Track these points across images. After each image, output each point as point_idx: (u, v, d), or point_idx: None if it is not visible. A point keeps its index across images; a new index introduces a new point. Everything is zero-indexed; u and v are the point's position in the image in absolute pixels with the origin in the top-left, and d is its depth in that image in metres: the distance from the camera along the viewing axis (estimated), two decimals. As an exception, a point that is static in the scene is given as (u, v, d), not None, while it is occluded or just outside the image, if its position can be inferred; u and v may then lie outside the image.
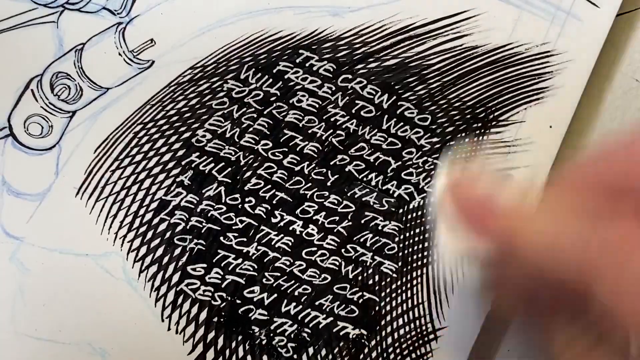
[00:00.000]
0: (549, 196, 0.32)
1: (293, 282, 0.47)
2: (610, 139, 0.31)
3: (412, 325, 0.48)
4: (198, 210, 0.47)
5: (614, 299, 0.27)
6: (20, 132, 0.45)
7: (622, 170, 0.30)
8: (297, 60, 0.46)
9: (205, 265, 0.47)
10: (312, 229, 0.47)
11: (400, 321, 0.48)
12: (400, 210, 0.48)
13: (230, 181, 0.47)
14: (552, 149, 0.47)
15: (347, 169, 0.47)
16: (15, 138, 0.45)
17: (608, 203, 0.29)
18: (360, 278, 0.48)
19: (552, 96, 0.47)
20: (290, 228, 0.47)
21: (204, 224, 0.47)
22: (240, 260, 0.47)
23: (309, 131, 0.47)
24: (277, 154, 0.47)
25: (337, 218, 0.47)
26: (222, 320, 0.47)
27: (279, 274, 0.47)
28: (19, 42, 0.44)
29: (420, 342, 0.48)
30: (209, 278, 0.47)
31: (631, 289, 0.27)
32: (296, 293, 0.47)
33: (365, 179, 0.47)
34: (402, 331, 0.48)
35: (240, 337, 0.47)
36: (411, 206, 0.48)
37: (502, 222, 0.31)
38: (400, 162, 0.47)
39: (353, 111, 0.47)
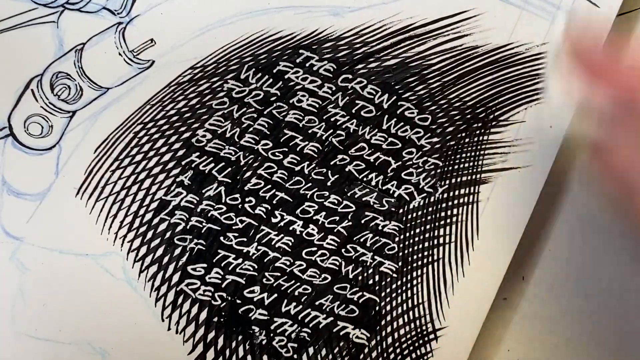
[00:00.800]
0: None
1: (293, 282, 0.47)
2: None
3: (412, 325, 0.48)
4: (198, 210, 0.47)
5: None
6: (21, 132, 0.45)
7: None
8: (298, 60, 0.46)
9: (205, 265, 0.47)
10: (312, 229, 0.47)
11: (401, 321, 0.48)
12: (401, 210, 0.48)
13: (230, 181, 0.47)
14: (552, 149, 0.47)
15: (347, 169, 0.47)
16: (15, 138, 0.45)
17: None
18: (360, 278, 0.48)
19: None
20: (291, 228, 0.47)
21: (204, 223, 0.47)
22: (240, 260, 0.47)
23: (309, 131, 0.47)
24: (277, 154, 0.47)
25: (337, 218, 0.47)
26: (222, 320, 0.47)
27: (279, 274, 0.47)
28: (19, 42, 0.44)
29: (421, 342, 0.48)
30: (209, 278, 0.47)
31: None
32: (296, 293, 0.47)
33: (365, 178, 0.47)
34: (402, 331, 0.48)
35: (240, 337, 0.47)
36: (411, 206, 0.48)
37: (627, 72, 0.31)
38: (400, 162, 0.47)
39: (353, 111, 0.47)
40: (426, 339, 0.49)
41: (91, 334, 0.47)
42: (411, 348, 0.49)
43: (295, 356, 0.48)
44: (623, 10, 0.46)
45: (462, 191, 0.48)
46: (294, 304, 0.48)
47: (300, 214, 0.47)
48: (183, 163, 0.46)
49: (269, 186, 0.47)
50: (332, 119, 0.46)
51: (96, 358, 0.47)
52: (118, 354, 0.47)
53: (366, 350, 0.48)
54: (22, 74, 0.45)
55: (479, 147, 0.47)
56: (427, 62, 0.46)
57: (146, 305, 0.47)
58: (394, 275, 0.48)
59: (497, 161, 0.47)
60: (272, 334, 0.48)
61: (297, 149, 0.47)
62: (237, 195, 0.47)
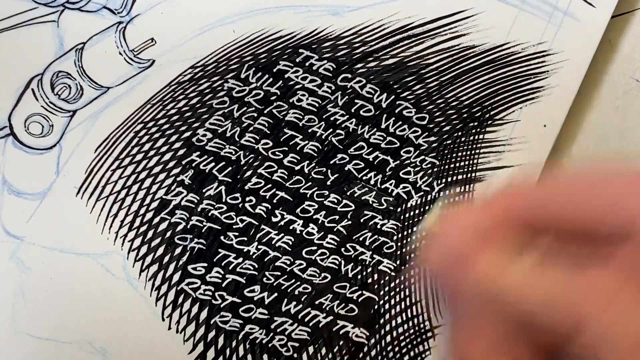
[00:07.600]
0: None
1: (293, 281, 0.47)
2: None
3: (410, 323, 0.49)
4: (199, 209, 0.47)
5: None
6: (21, 132, 0.45)
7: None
8: (297, 60, 0.46)
9: (205, 264, 0.47)
10: (312, 228, 0.47)
11: (399, 319, 0.48)
12: (399, 209, 0.48)
13: (230, 180, 0.47)
14: (545, 148, 0.48)
15: (346, 168, 0.47)
16: (15, 137, 0.45)
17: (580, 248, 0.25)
18: (359, 277, 0.48)
19: (547, 96, 0.47)
20: (291, 227, 0.47)
21: (204, 223, 0.47)
22: (240, 260, 0.47)
23: (309, 130, 0.47)
24: (277, 153, 0.47)
25: (337, 217, 0.47)
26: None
27: (279, 273, 0.47)
28: (20, 41, 0.44)
29: (419, 339, 0.49)
30: (210, 277, 0.47)
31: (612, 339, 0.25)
32: (296, 292, 0.48)
33: (364, 177, 0.47)
34: (400, 329, 0.49)
35: (240, 336, 0.47)
36: (409, 205, 0.48)
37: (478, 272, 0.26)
38: (398, 161, 0.47)
39: (352, 110, 0.47)
40: (424, 337, 0.49)
41: (92, 333, 0.47)
42: (409, 346, 0.49)
43: (295, 355, 0.48)
44: (620, 11, 0.46)
45: (458, 189, 0.48)
46: (294, 303, 0.48)
47: (300, 213, 0.47)
48: (183, 162, 0.46)
49: (269, 185, 0.47)
50: (332, 118, 0.47)
51: (96, 357, 0.47)
52: (118, 353, 0.47)
53: (365, 348, 0.48)
54: (23, 74, 0.44)
55: (474, 145, 0.48)
56: (424, 62, 0.47)
57: (147, 304, 0.47)
58: (393, 273, 0.48)
59: (492, 160, 0.48)
60: (272, 333, 0.48)
61: (297, 148, 0.47)
62: (238, 195, 0.47)
